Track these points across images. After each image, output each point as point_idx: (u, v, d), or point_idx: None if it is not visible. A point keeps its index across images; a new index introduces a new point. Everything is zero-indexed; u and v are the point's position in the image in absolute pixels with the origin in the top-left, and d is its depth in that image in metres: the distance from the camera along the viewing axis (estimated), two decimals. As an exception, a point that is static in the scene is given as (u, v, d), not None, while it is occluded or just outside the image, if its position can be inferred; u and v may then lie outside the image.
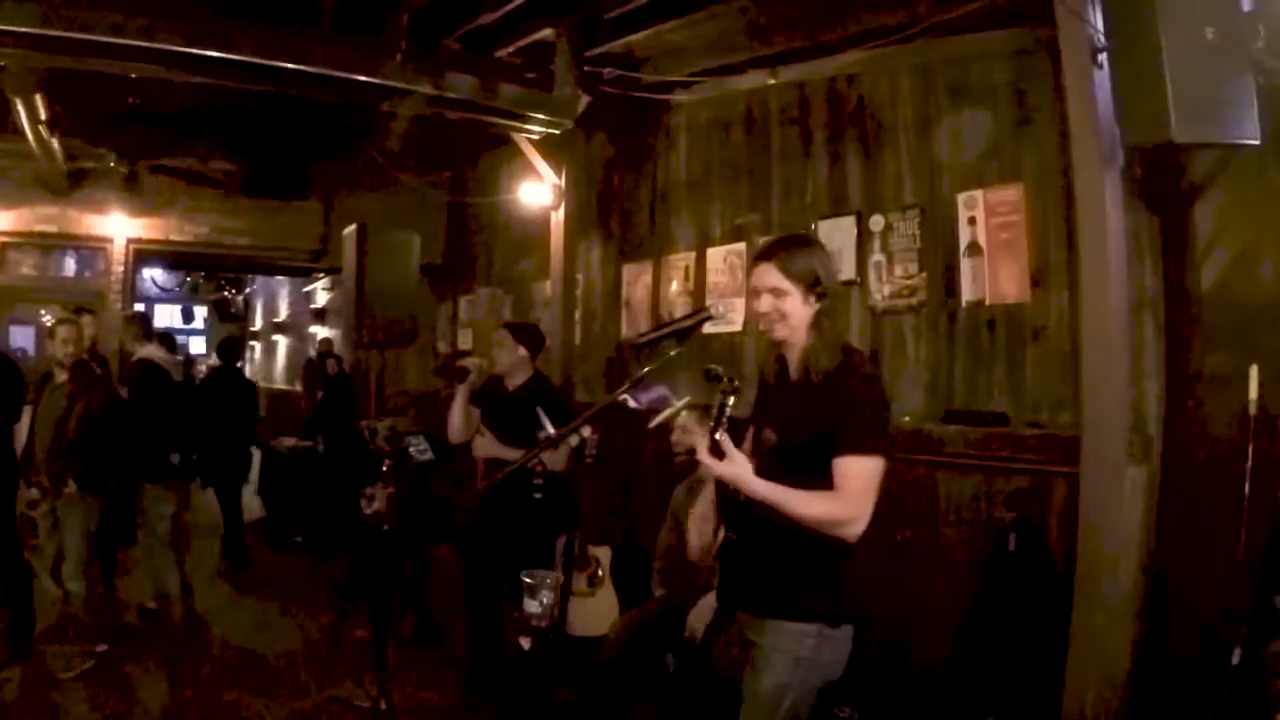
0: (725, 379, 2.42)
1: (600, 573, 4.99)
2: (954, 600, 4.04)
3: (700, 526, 2.76)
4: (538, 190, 6.60)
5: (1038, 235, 4.08)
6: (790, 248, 2.50)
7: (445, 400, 4.86)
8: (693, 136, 6.15)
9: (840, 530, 2.31)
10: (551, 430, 3.16)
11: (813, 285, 2.43)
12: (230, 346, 7.99)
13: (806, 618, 2.38)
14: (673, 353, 2.58)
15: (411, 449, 5.11)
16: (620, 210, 6.82)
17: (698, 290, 6.05)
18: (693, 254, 6.12)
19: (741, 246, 5.71)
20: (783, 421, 2.48)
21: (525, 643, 2.76)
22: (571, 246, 6.66)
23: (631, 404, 2.70)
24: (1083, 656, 3.26)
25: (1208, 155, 3.56)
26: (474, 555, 4.73)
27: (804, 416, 2.40)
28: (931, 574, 4.23)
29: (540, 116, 5.52)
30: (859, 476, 2.31)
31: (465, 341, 9.05)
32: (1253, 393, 3.31)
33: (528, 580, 2.71)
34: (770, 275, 2.45)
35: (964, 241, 4.38)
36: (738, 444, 2.42)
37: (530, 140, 6.27)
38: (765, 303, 2.46)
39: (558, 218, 6.61)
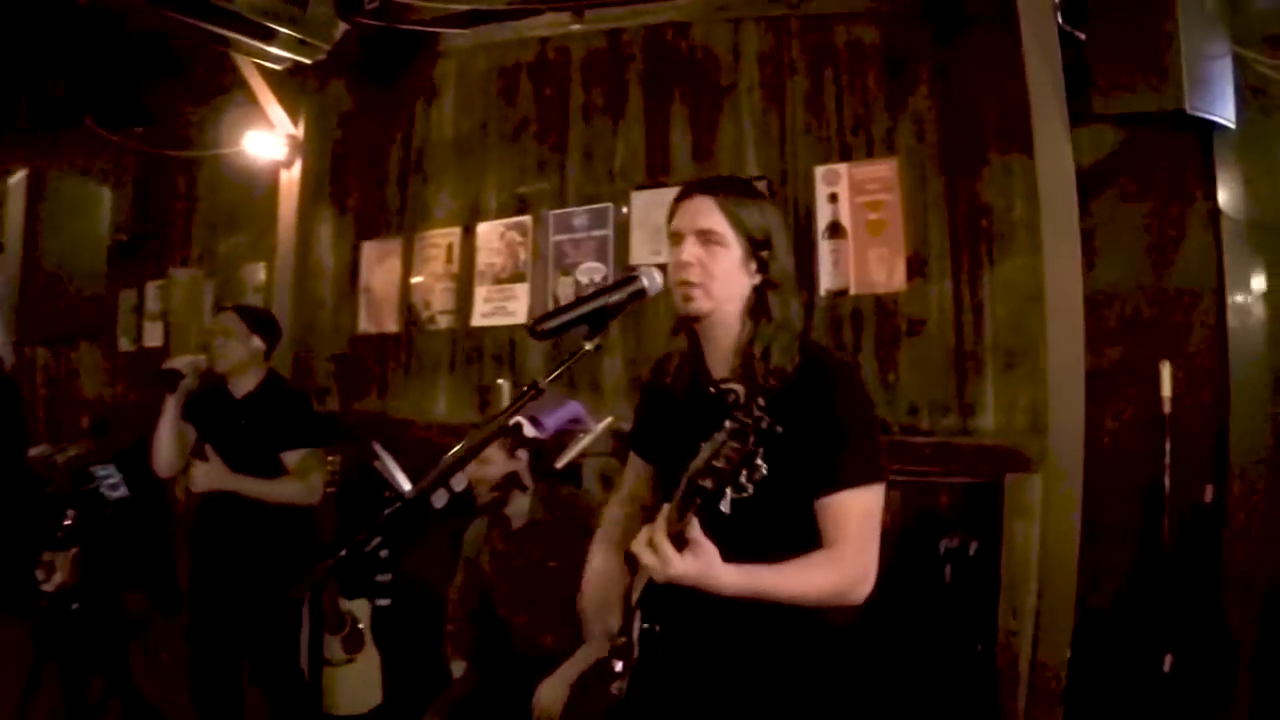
0: (752, 406, 1.58)
1: (360, 634, 4.01)
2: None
3: (599, 612, 1.90)
4: (266, 142, 5.15)
5: (915, 217, 3.63)
6: (741, 188, 1.82)
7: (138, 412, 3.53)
8: (465, 88, 5.09)
9: (851, 597, 1.64)
10: (404, 482, 2.11)
11: (760, 246, 1.73)
12: None
13: None
14: (589, 346, 1.72)
15: (103, 486, 3.66)
16: (360, 176, 5.55)
17: (464, 274, 5.02)
18: (458, 230, 5.06)
19: (525, 220, 4.78)
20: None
21: None
22: (308, 215, 5.32)
23: (529, 431, 1.76)
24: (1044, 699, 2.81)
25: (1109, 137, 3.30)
26: (200, 637, 3.52)
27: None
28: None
29: (288, 34, 4.20)
30: (862, 515, 1.64)
31: (154, 338, 7.14)
32: (1166, 390, 3.13)
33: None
34: (707, 214, 1.73)
35: (822, 222, 3.84)
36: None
37: (262, 74, 4.85)
38: (689, 250, 1.73)
39: (290, 178, 5.20)
